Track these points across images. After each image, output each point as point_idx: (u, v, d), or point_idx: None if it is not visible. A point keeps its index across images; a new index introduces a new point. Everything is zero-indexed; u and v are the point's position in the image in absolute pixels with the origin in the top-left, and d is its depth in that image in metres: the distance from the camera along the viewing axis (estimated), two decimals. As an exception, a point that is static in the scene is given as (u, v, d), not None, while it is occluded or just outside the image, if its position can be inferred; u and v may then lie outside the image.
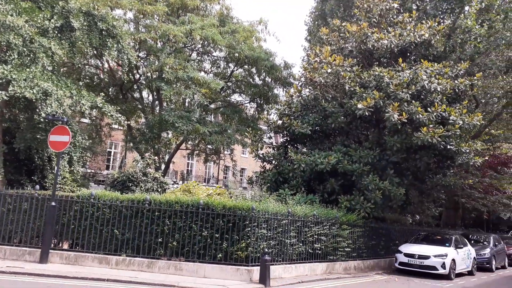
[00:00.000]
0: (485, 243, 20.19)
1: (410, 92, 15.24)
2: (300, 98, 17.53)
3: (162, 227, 11.08)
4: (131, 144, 22.40)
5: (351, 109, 15.60)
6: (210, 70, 28.72)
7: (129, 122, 25.25)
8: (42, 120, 11.16)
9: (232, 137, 22.70)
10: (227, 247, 11.07)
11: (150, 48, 21.36)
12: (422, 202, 18.53)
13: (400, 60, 16.37)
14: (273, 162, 19.43)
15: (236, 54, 23.91)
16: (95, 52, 13.70)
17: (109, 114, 12.71)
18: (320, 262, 13.47)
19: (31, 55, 11.15)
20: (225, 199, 12.11)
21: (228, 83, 28.68)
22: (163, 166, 26.99)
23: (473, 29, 18.60)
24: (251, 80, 26.82)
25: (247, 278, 10.86)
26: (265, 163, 20.00)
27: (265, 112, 26.48)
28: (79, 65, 22.37)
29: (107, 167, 34.98)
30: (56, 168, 10.77)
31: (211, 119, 29.30)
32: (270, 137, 20.16)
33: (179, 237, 11.05)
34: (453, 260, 15.49)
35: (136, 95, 27.05)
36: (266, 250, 11.04)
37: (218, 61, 28.16)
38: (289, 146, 18.76)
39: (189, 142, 27.63)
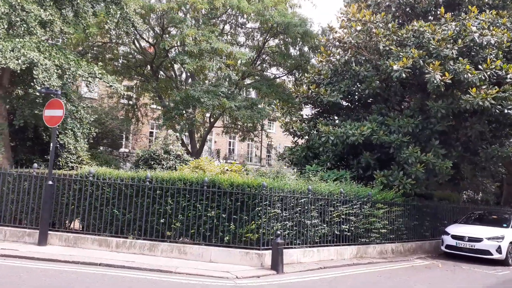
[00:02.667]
0: (554, 223, 17.45)
1: (456, 48, 12.93)
2: (329, 63, 15.67)
3: (164, 207, 10.10)
4: (159, 122, 21.73)
5: (387, 71, 13.60)
6: (245, 44, 27.40)
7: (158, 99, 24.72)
8: (38, 94, 10.47)
9: (262, 112, 21.32)
10: (236, 229, 9.89)
11: (172, 20, 20.31)
12: (476, 176, 16.18)
13: (442, 10, 13.97)
14: (305, 136, 17.93)
15: (269, 24, 22.35)
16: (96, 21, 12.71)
17: (108, 84, 11.84)
18: (349, 245, 11.96)
19: (24, 25, 10.42)
20: (235, 176, 10.88)
21: (263, 55, 27.20)
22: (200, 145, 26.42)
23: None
24: (286, 50, 25.08)
25: (257, 263, 9.65)
26: (296, 138, 18.54)
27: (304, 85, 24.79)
28: (104, 43, 21.99)
29: (150, 147, 34.97)
30: (51, 145, 10.09)
31: (246, 95, 28.02)
32: (300, 109, 18.49)
33: (183, 218, 10.02)
34: (511, 243, 13.29)
35: (172, 73, 26.43)
36: (279, 232, 9.71)
37: (252, 33, 26.73)
38: (320, 118, 17.06)
39: (227, 119, 26.69)
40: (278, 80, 27.06)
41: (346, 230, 11.86)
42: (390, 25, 14.41)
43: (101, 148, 21.96)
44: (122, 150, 28.53)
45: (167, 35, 22.05)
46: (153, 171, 12.36)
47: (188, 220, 10.02)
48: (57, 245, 10.04)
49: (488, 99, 12.35)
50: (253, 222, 9.89)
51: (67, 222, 10.45)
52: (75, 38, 19.62)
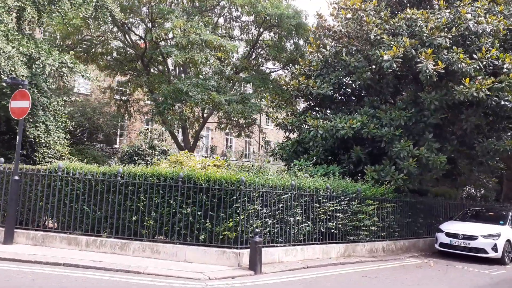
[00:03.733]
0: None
1: (450, 36, 12.29)
2: (320, 54, 15.02)
3: (137, 203, 9.54)
4: (148, 117, 21.22)
5: (377, 61, 12.97)
6: (239, 37, 26.87)
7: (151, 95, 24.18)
8: (4, 84, 9.93)
9: (254, 106, 20.74)
10: (212, 227, 9.33)
11: (161, 11, 19.71)
12: (472, 171, 15.54)
13: (437, -5, 13.32)
14: (296, 131, 17.36)
15: (262, 15, 21.78)
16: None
17: (80, 73, 11.24)
18: (336, 243, 11.38)
19: (-10, 13, 9.89)
20: (215, 171, 10.31)
21: (258, 49, 26.67)
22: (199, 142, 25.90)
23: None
24: (280, 44, 24.44)
25: (234, 263, 9.09)
26: (288, 132, 17.95)
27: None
28: (95, 36, 21.52)
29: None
30: (18, 138, 9.54)
31: (241, 89, 27.44)
32: (290, 103, 17.82)
33: (157, 215, 9.47)
34: (508, 241, 12.68)
35: (165, 68, 25.88)
36: (258, 230, 9.14)
37: (247, 26, 26.21)
38: (312, 112, 16.45)
39: (221, 115, 26.10)
40: (273, 74, 26.50)
41: (333, 227, 11.28)
42: (382, 13, 13.78)
43: (92, 144, 21.50)
44: (117, 146, 28.04)
45: (156, 28, 21.45)
46: (136, 166, 11.83)
47: (162, 217, 9.47)
48: (24, 244, 9.52)
49: (483, 89, 11.70)
50: (230, 219, 9.32)
51: (35, 219, 9.88)
52: (59, 30, 19.11)
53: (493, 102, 12.36)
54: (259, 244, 8.96)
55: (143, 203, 9.52)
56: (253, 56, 26.94)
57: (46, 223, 9.91)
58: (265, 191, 9.89)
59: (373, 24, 13.28)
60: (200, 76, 23.49)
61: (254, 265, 8.88)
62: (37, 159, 12.91)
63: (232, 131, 27.80)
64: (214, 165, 11.86)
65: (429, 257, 13.09)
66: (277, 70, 27.61)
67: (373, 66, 13.98)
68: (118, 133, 30.43)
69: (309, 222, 10.76)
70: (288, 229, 10.30)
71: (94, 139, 21.52)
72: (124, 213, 9.57)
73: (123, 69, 24.88)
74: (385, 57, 12.41)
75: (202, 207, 9.40)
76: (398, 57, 12.32)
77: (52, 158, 13.32)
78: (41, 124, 11.53)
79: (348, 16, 13.31)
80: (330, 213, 11.26)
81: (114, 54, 24.72)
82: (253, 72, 26.03)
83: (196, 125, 27.14)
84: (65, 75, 11.24)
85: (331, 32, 14.11)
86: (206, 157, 28.34)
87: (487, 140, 13.57)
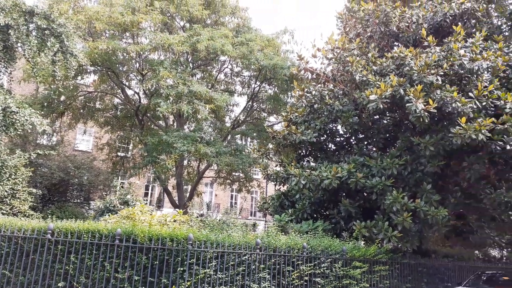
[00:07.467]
0: None
1: (441, 73, 10.99)
2: (304, 98, 13.86)
3: (66, 265, 8.06)
4: (133, 172, 20.15)
5: (363, 103, 11.68)
6: (240, 92, 26.48)
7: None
8: None
9: (246, 159, 19.48)
10: (153, 296, 7.70)
11: (150, 63, 19.25)
12: (482, 227, 13.51)
13: (431, 38, 12.14)
14: (284, 182, 15.88)
15: (254, 67, 21.23)
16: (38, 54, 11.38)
17: (24, 118, 10.23)
18: (315, 315, 9.45)
19: None
20: (160, 228, 8.80)
21: (258, 102, 26.10)
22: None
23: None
24: (278, 96, 23.75)
25: None
26: (277, 184, 16.46)
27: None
28: (90, 92, 21.25)
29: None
30: None
31: (238, 143, 26.45)
32: (278, 152, 16.42)
33: (87, 281, 7.91)
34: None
35: (162, 122, 25.30)
36: (204, 300, 7.46)
37: (248, 81, 25.84)
38: (298, 162, 15.04)
39: (218, 169, 24.89)
40: (276, 127, 25.58)
41: (311, 296, 9.43)
42: (370, 54, 12.71)
43: (76, 200, 20.39)
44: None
45: (145, 80, 21.02)
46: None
47: (94, 283, 7.91)
48: None
49: (483, 131, 10.14)
50: (173, 287, 7.70)
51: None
52: (43, 83, 18.67)
53: (498, 147, 10.78)
54: (205, 318, 7.25)
55: (73, 265, 8.03)
56: (254, 110, 26.32)
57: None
58: (221, 252, 8.31)
59: (359, 65, 12.17)
60: (203, 129, 22.63)
61: None
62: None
63: (229, 186, 26.46)
64: (176, 221, 10.37)
65: (435, 333, 10.89)
66: (277, 123, 26.80)
67: (360, 110, 12.70)
68: (115, 189, 29.27)
69: (279, 290, 8.98)
70: (251, 299, 8.54)
71: (77, 196, 20.40)
72: (51, 279, 8.06)
73: (122, 125, 24.37)
74: (371, 97, 11.12)
75: (141, 271, 7.84)
76: (386, 97, 11.03)
77: (6, 214, 12.11)
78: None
79: (329, 56, 12.26)
80: (307, 278, 9.46)
81: (116, 111, 24.31)
82: (252, 125, 25.29)
83: (194, 180, 26.00)
84: (17, 121, 10.31)
85: (313, 75, 13.02)
86: (201, 214, 26.71)
87: (496, 191, 11.72)
